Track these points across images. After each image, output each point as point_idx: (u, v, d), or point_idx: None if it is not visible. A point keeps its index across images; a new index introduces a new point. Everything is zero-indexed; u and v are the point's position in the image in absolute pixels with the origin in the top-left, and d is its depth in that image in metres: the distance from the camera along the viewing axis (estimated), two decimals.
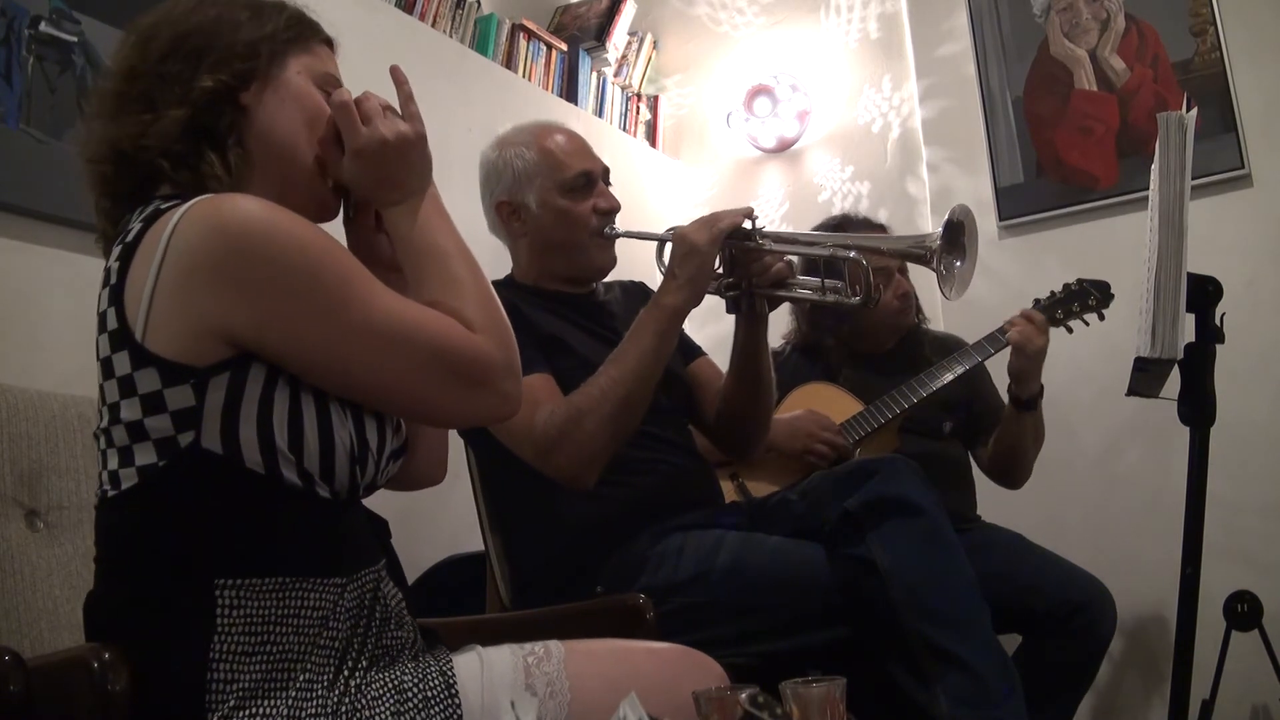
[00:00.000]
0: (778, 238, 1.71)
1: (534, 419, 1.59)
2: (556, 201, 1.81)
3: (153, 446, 0.96)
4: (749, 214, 1.67)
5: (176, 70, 1.05)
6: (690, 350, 1.98)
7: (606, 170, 1.88)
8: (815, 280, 1.69)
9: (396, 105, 1.13)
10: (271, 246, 0.95)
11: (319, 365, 0.98)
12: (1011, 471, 2.33)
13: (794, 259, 1.71)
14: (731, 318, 1.79)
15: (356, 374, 1.00)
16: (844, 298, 1.65)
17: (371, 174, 1.09)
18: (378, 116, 1.09)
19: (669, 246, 1.69)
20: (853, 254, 1.63)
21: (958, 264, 1.63)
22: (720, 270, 1.70)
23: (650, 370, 1.62)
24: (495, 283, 1.81)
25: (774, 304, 1.76)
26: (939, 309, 2.94)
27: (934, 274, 1.61)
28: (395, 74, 1.15)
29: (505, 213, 1.86)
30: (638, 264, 2.08)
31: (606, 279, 1.94)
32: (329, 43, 1.17)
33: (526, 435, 1.59)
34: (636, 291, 1.97)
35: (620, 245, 1.87)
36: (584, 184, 1.82)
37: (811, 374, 2.34)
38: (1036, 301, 2.29)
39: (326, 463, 0.99)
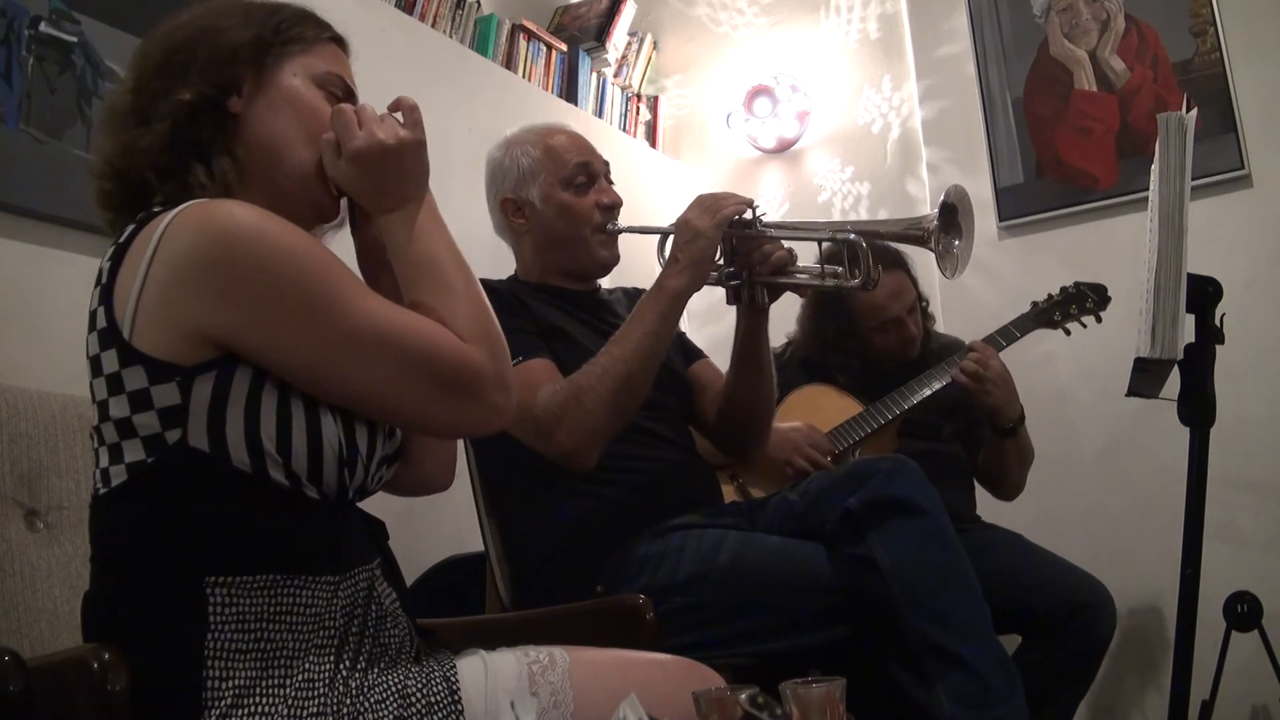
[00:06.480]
0: (777, 226, 1.73)
1: (535, 399, 1.60)
2: (559, 196, 1.83)
3: (141, 444, 0.96)
4: (750, 204, 1.68)
5: (162, 86, 1.06)
6: (691, 352, 1.99)
7: (607, 166, 1.90)
8: (815, 266, 1.71)
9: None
10: (258, 252, 0.95)
11: (304, 370, 0.98)
12: (998, 488, 2.34)
13: (794, 247, 1.72)
14: (731, 318, 1.80)
15: (343, 380, 0.99)
16: (843, 281, 1.67)
17: (367, 179, 1.08)
18: (375, 121, 1.09)
19: (671, 238, 1.70)
20: (852, 236, 1.65)
21: (956, 243, 1.66)
22: (721, 260, 1.72)
23: (652, 350, 1.62)
24: (499, 280, 1.85)
25: (774, 295, 1.76)
26: (939, 309, 2.95)
27: (932, 254, 1.62)
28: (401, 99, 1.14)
29: (510, 210, 1.88)
30: (637, 266, 2.08)
31: (610, 283, 1.95)
32: (339, 41, 1.17)
33: (528, 415, 1.60)
34: (639, 296, 1.97)
35: (621, 248, 1.88)
36: (584, 178, 1.84)
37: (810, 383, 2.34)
38: (1034, 304, 2.31)
39: (314, 465, 0.99)
